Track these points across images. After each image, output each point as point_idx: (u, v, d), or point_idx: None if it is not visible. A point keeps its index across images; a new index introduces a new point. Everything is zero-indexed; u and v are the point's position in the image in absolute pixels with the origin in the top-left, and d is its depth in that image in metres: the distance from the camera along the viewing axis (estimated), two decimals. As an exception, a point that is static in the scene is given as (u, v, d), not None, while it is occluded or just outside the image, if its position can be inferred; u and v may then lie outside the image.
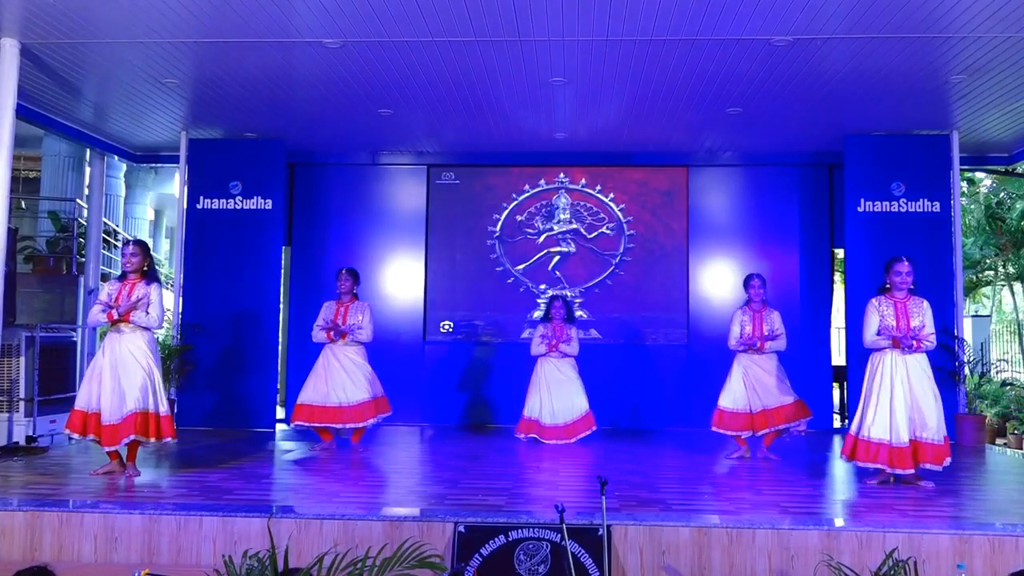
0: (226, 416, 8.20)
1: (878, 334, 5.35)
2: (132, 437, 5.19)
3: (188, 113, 7.88)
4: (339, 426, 6.62)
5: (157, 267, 5.80)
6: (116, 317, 5.33)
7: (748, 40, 5.84)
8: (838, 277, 10.91)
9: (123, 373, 5.27)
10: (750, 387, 6.39)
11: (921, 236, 7.99)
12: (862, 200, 8.19)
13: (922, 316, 5.34)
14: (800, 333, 8.71)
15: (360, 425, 6.62)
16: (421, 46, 6.02)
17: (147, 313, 5.37)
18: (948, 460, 5.25)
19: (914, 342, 5.26)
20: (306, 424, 6.69)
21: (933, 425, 5.23)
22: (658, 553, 4.09)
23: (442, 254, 9.29)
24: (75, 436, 5.35)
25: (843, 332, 9.51)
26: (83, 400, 5.34)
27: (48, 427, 7.89)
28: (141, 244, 5.60)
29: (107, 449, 5.33)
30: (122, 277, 5.51)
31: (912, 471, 5.25)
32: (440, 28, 5.68)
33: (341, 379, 6.60)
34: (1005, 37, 5.70)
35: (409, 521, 4.20)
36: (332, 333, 6.66)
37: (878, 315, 5.39)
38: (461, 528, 4.05)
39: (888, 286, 5.48)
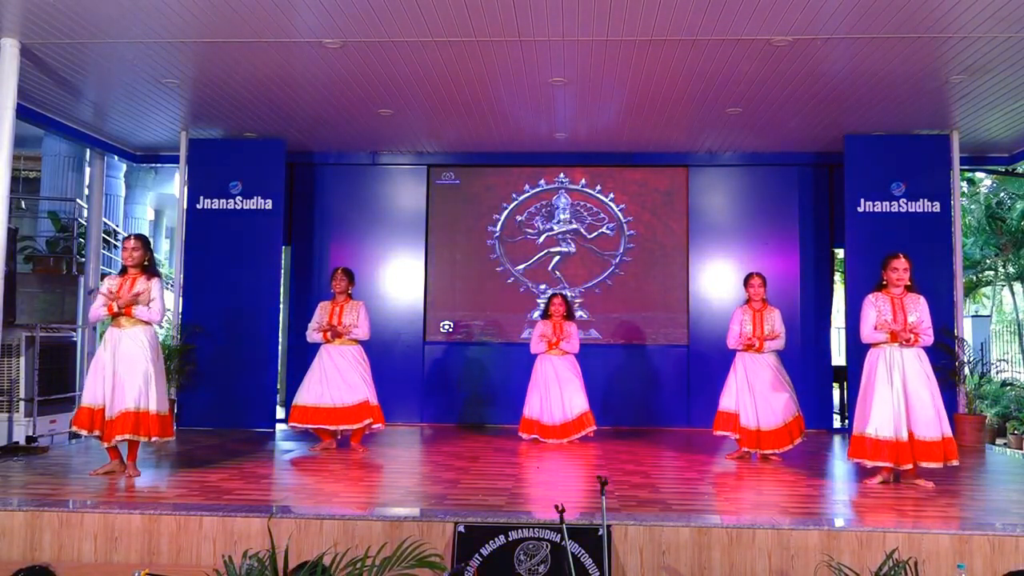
0: (226, 416, 8.19)
1: (876, 329, 5.36)
2: (125, 436, 5.18)
3: (188, 113, 7.88)
4: (334, 428, 6.62)
5: (158, 263, 5.83)
6: (117, 310, 5.31)
7: (748, 40, 5.83)
8: (838, 277, 10.91)
9: (124, 370, 5.24)
10: (750, 388, 6.36)
11: (921, 236, 7.99)
12: (862, 200, 8.19)
13: (919, 311, 5.34)
14: (800, 333, 8.71)
15: (356, 427, 6.61)
16: (421, 46, 6.02)
17: (148, 307, 5.36)
18: (955, 461, 5.22)
19: (912, 335, 5.26)
20: (301, 426, 6.69)
21: (929, 422, 5.22)
22: (658, 553, 4.08)
23: (442, 254, 9.29)
24: (83, 432, 5.31)
25: (843, 332, 9.51)
26: (88, 396, 5.31)
27: (48, 427, 7.90)
28: (142, 238, 5.56)
29: (106, 446, 5.32)
30: (123, 271, 5.48)
31: (910, 466, 5.24)
32: (440, 28, 5.68)
33: (336, 380, 6.58)
34: (1005, 37, 5.70)
35: (409, 521, 4.20)
36: (328, 333, 6.66)
37: (875, 310, 5.40)
38: (461, 528, 4.05)
39: (884, 282, 5.49)
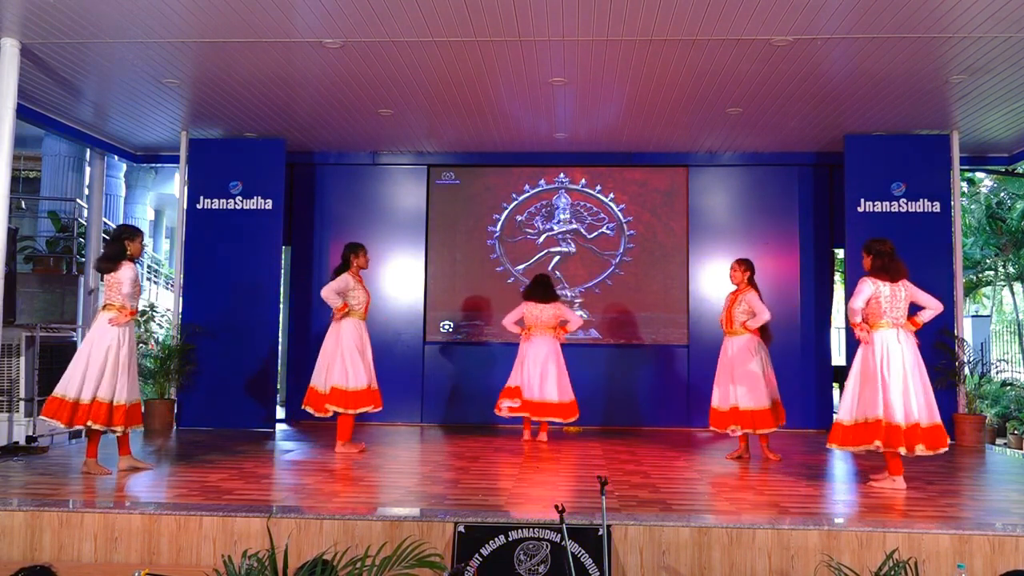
0: (226, 416, 8.19)
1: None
2: (136, 426, 5.56)
3: (188, 113, 7.88)
4: (370, 410, 6.57)
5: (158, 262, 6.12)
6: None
7: (748, 40, 5.84)
8: (838, 277, 10.91)
9: (130, 363, 5.52)
10: (731, 369, 6.41)
11: (921, 236, 7.98)
12: (862, 200, 8.19)
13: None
14: (800, 333, 8.71)
15: (362, 411, 6.58)
16: (421, 46, 6.02)
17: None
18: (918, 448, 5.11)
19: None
20: (342, 411, 6.49)
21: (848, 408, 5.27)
22: (658, 553, 4.09)
23: (442, 254, 9.29)
24: (95, 426, 5.31)
25: (843, 332, 9.51)
26: (106, 391, 5.35)
27: (48, 427, 7.88)
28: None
29: (118, 433, 5.52)
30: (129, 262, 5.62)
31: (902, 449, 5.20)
32: (440, 28, 5.68)
33: (368, 361, 6.62)
34: (1005, 37, 5.70)
35: (409, 521, 4.20)
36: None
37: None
38: (461, 528, 4.05)
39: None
